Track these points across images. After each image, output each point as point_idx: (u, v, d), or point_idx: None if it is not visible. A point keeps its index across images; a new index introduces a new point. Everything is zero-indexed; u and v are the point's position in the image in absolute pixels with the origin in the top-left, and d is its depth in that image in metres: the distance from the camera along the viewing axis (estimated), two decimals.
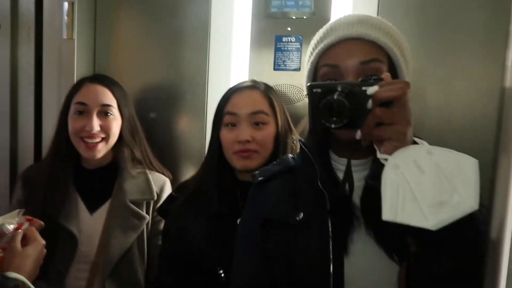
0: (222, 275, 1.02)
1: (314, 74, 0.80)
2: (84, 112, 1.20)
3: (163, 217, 1.18)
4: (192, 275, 1.05)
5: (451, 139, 1.26)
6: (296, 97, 1.36)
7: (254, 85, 1.12)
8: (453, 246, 0.59)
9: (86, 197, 1.23)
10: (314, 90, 0.65)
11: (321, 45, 0.77)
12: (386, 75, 0.65)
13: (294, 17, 1.35)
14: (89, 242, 1.18)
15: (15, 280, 0.76)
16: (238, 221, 1.00)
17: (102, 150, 1.21)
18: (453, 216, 0.54)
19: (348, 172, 0.71)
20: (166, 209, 1.16)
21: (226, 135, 1.08)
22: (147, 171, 1.27)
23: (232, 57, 1.44)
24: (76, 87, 1.23)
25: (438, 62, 1.25)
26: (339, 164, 0.79)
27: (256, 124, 1.06)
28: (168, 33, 1.45)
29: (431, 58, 1.26)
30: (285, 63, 1.38)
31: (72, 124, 1.20)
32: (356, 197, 0.75)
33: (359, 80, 0.64)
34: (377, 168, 0.66)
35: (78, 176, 1.24)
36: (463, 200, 0.54)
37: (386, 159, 0.60)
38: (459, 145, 1.23)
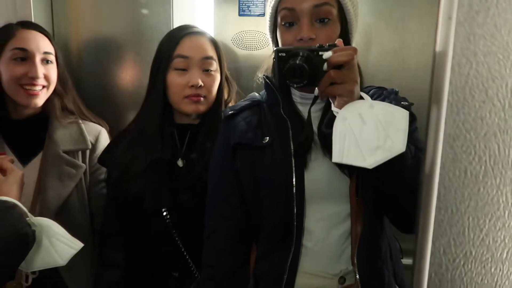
0: (166, 214, 1.10)
1: (274, 17, 0.93)
2: (25, 58, 1.19)
3: (104, 165, 1.23)
4: (136, 219, 1.13)
5: (405, 79, 1.35)
6: (261, 43, 1.39)
7: (203, 32, 1.17)
8: (387, 176, 0.77)
9: (17, 149, 1.25)
10: (280, 54, 0.78)
11: None
12: (339, 41, 0.78)
13: None
14: (24, 194, 1.15)
15: (10, 201, 0.82)
16: (179, 162, 1.13)
17: (43, 97, 1.23)
18: (386, 157, 0.69)
19: (309, 118, 0.87)
20: (106, 158, 1.21)
21: (176, 79, 1.11)
22: (80, 121, 1.30)
23: (196, 3, 1.42)
24: (10, 33, 1.20)
25: (394, 4, 1.30)
26: (298, 97, 0.95)
27: (206, 70, 1.13)
28: None
29: (387, 1, 1.31)
30: (249, 8, 1.39)
31: (11, 70, 1.19)
32: (314, 125, 0.90)
33: (317, 45, 0.77)
34: (331, 118, 0.80)
35: (5, 127, 1.25)
36: (394, 144, 0.69)
37: (337, 112, 0.75)
38: (413, 84, 1.35)
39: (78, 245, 0.91)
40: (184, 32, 1.13)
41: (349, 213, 0.89)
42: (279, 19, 0.89)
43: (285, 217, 0.88)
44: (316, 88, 0.76)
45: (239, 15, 1.40)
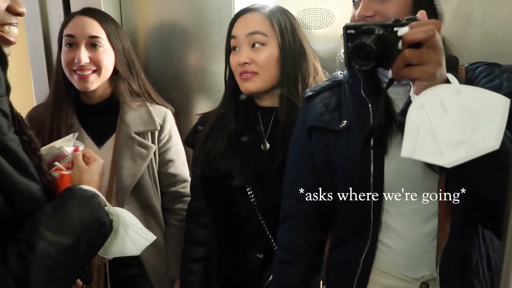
0: (251, 194, 1.09)
1: None
2: (73, 44, 1.23)
3: (190, 146, 1.25)
4: (223, 198, 1.14)
5: (489, 56, 1.18)
6: (324, 22, 1.30)
7: (255, 8, 1.12)
8: (477, 178, 0.65)
9: (92, 132, 1.30)
10: (348, 32, 0.69)
11: None
12: (421, 13, 0.67)
13: None
14: None
15: (90, 190, 0.83)
16: (262, 146, 1.11)
17: (94, 82, 1.25)
18: (470, 155, 0.57)
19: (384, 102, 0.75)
20: (192, 139, 1.22)
21: (231, 59, 1.12)
22: (148, 104, 1.32)
23: None
24: (66, 21, 1.26)
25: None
26: (383, 76, 0.85)
27: (254, 45, 1.08)
28: None
29: None
30: None
31: (63, 57, 1.25)
32: (397, 108, 0.80)
33: (392, 20, 0.67)
34: (407, 105, 0.70)
35: (81, 113, 1.31)
36: (484, 139, 0.57)
37: (414, 98, 0.65)
38: (498, 61, 1.17)
39: (151, 237, 0.92)
40: (238, 13, 1.12)
41: (437, 211, 0.78)
42: None
43: (361, 208, 0.81)
44: (390, 70, 0.66)
45: None
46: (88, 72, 1.22)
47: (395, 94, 0.81)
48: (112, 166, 1.27)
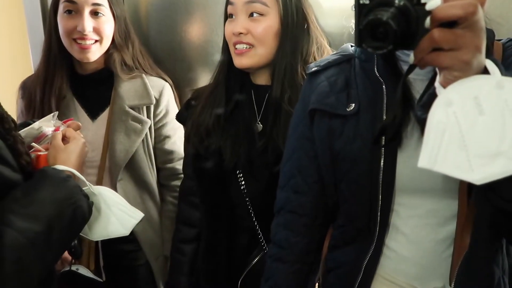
0: (241, 178, 0.98)
1: None
2: (73, 11, 1.09)
3: (181, 123, 1.12)
4: (212, 177, 1.03)
5: None
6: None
7: None
8: (503, 192, 0.48)
9: (86, 104, 1.19)
10: (361, 2, 0.50)
11: None
12: None
13: None
14: (94, 148, 1.15)
15: (65, 171, 0.75)
16: (255, 127, 0.99)
17: (96, 52, 1.12)
18: (507, 170, 0.42)
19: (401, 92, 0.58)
20: (184, 115, 1.10)
21: (226, 27, 0.97)
22: (144, 76, 1.18)
23: None
24: None
25: None
26: (403, 54, 0.67)
27: (250, 15, 0.93)
28: None
29: None
30: None
31: (63, 24, 1.10)
32: (416, 92, 0.64)
33: None
34: (431, 96, 0.52)
35: (74, 83, 1.18)
36: None
37: (440, 92, 0.47)
38: None
39: (138, 215, 0.83)
40: None
41: (456, 214, 0.64)
42: None
43: (366, 206, 0.67)
44: (411, 54, 0.49)
45: None
46: (90, 42, 1.10)
47: (414, 74, 0.63)
48: (105, 141, 1.16)
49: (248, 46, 0.93)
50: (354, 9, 0.51)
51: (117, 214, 0.81)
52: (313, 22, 0.97)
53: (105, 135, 1.16)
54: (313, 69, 0.77)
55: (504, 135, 0.41)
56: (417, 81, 0.65)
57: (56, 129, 0.85)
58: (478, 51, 0.45)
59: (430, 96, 0.53)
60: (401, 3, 0.47)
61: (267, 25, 0.92)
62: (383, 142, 0.63)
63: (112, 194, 0.82)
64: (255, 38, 0.92)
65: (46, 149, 0.82)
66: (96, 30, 1.10)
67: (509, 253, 0.67)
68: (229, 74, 1.00)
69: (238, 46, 0.93)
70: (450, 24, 0.44)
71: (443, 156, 0.43)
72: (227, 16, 0.97)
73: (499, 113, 0.42)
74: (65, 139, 0.84)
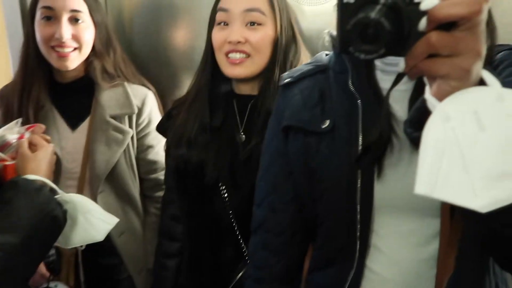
0: (224, 192, 0.93)
1: None
2: (52, 17, 1.03)
3: (162, 134, 1.07)
4: (196, 192, 0.98)
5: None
6: None
7: None
8: (500, 215, 0.39)
9: (65, 113, 1.12)
10: (345, 1, 0.42)
11: None
12: None
13: None
14: (74, 159, 1.10)
15: (37, 181, 0.73)
16: (238, 137, 0.95)
17: (75, 60, 1.07)
18: None
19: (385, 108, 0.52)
20: (165, 126, 1.04)
21: (216, 34, 0.92)
22: (126, 84, 1.13)
23: None
24: None
25: None
26: (382, 64, 0.62)
27: (251, 24, 0.89)
28: None
29: None
30: None
31: (40, 31, 1.04)
32: (398, 105, 0.59)
33: None
34: (420, 111, 0.46)
35: (53, 92, 1.12)
36: None
37: (434, 105, 0.40)
38: None
39: (113, 220, 0.82)
40: None
41: (438, 233, 0.59)
42: None
43: (345, 227, 0.63)
44: (402, 61, 0.42)
45: None
46: (69, 50, 1.04)
47: (389, 83, 0.56)
48: (85, 151, 1.10)
49: (244, 56, 0.89)
50: (336, 9, 0.43)
51: (90, 220, 0.79)
52: (298, 34, 0.95)
53: (85, 146, 1.10)
54: (286, 80, 0.72)
55: (509, 154, 0.36)
56: (399, 100, 0.59)
57: (21, 137, 0.81)
58: (479, 58, 0.39)
59: (418, 110, 0.48)
60: (392, 2, 0.40)
61: (264, 34, 0.89)
62: (364, 163, 0.58)
63: (84, 201, 0.80)
64: (253, 47, 0.89)
65: (13, 159, 0.78)
66: (75, 37, 1.04)
67: (495, 272, 0.63)
68: (213, 82, 0.95)
69: (232, 55, 0.89)
70: (448, 26, 0.38)
71: (444, 181, 0.37)
72: (213, 22, 0.93)
73: (502, 130, 0.37)
74: (31, 146, 0.80)
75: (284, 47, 0.91)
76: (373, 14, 0.39)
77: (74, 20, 1.04)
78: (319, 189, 0.65)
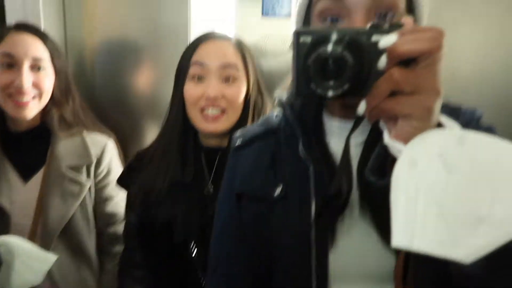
0: (193, 249, 0.87)
1: (307, 11, 0.58)
2: (12, 65, 0.98)
3: (124, 187, 1.00)
4: (161, 251, 0.90)
5: (457, 92, 1.07)
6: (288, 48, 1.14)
7: (225, 36, 0.93)
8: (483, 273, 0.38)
9: (18, 164, 1.04)
10: (302, 40, 0.40)
11: None
12: (407, 19, 0.41)
13: None
14: (25, 213, 1.01)
15: None
16: (206, 191, 0.90)
17: (34, 109, 1.01)
18: (495, 240, 0.34)
19: (345, 157, 0.49)
20: (127, 179, 0.98)
21: (191, 89, 0.89)
22: (83, 133, 1.08)
23: (216, 5, 1.18)
24: (0, 36, 1.00)
25: (444, 5, 1.02)
26: (331, 127, 0.60)
27: (226, 79, 0.88)
28: None
29: (436, 1, 1.03)
30: (274, 8, 1.13)
31: None
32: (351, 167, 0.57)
33: (369, 25, 0.41)
34: (381, 158, 0.45)
35: (6, 141, 1.05)
36: (509, 213, 0.34)
37: (399, 150, 0.39)
38: (464, 98, 1.07)
39: (51, 259, 0.77)
40: (204, 37, 0.91)
41: None
42: (315, 15, 0.54)
43: None
44: (362, 102, 0.41)
45: (263, 15, 1.15)
46: (28, 99, 0.98)
47: (331, 136, 0.55)
48: (38, 205, 1.01)
49: (219, 111, 0.88)
50: (292, 49, 0.41)
51: (26, 263, 0.75)
52: (263, 84, 0.96)
53: (37, 199, 1.01)
54: (237, 143, 0.68)
55: (480, 198, 0.35)
56: (335, 143, 0.59)
57: None
58: (439, 96, 0.38)
59: (378, 157, 0.46)
60: (351, 38, 0.39)
61: (239, 90, 0.89)
62: (313, 234, 0.54)
63: (19, 242, 0.76)
64: (228, 103, 0.88)
65: None
66: (36, 85, 0.99)
67: None
68: (183, 135, 0.92)
69: (209, 111, 0.87)
70: (407, 63, 0.38)
71: (421, 230, 0.35)
72: (183, 74, 0.90)
73: (468, 173, 0.36)
74: None
75: (254, 100, 0.92)
76: (335, 48, 0.38)
77: (35, 67, 1.00)
78: (273, 258, 0.60)
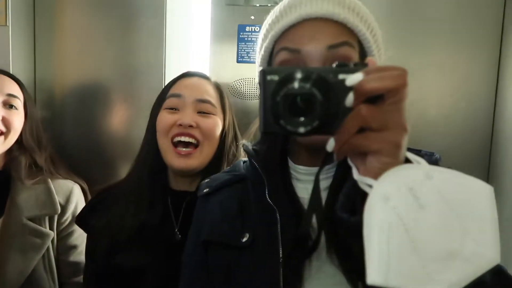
0: None
1: (268, 63, 0.61)
2: None
3: (84, 228, 0.92)
4: None
5: (424, 134, 1.11)
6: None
7: (204, 75, 0.93)
8: None
9: None
10: (269, 78, 0.41)
11: (278, 26, 0.57)
12: (370, 60, 0.43)
13: (257, 5, 1.14)
14: None
15: None
16: (174, 238, 0.84)
17: (0, 146, 0.97)
18: (468, 274, 0.33)
19: (315, 196, 0.49)
20: (87, 220, 0.90)
21: (164, 117, 0.85)
22: (49, 180, 1.02)
23: (191, 48, 1.22)
24: None
25: (411, 52, 1.08)
26: (296, 173, 0.61)
27: (202, 113, 0.86)
28: (119, 22, 1.24)
29: (403, 48, 1.09)
30: (249, 54, 1.17)
31: None
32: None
33: (336, 64, 0.41)
34: (351, 195, 0.45)
35: None
36: (479, 247, 0.34)
37: (370, 186, 0.38)
38: (433, 141, 1.11)
39: None
40: (184, 74, 0.91)
41: None
42: (276, 61, 0.57)
43: None
44: (331, 139, 0.41)
45: (237, 61, 1.18)
46: None
47: (307, 194, 0.53)
48: None
49: (193, 143, 0.84)
50: (260, 87, 0.42)
51: None
52: (238, 130, 0.95)
53: None
54: (205, 191, 0.68)
55: (451, 233, 0.34)
56: (300, 186, 0.60)
57: None
58: (406, 132, 0.39)
59: (348, 195, 0.46)
60: (319, 76, 0.39)
61: (215, 123, 0.86)
62: (281, 281, 0.52)
63: None
64: (203, 134, 0.84)
65: None
66: (5, 121, 0.96)
67: None
68: (153, 173, 0.87)
69: (181, 139, 0.83)
70: (373, 101, 0.38)
71: (395, 267, 0.34)
72: (158, 108, 0.87)
73: (439, 207, 0.35)
74: None
75: (230, 140, 0.89)
76: (303, 85, 0.38)
77: (7, 105, 0.98)
78: None
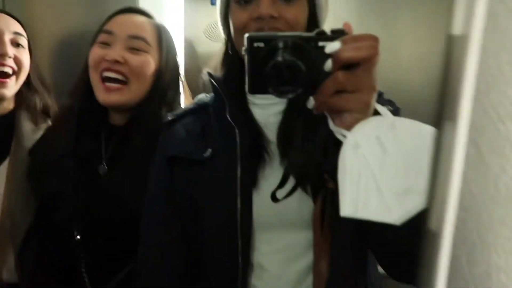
0: (78, 240, 0.83)
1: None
2: None
3: (31, 158, 0.96)
4: (43, 239, 0.87)
5: (398, 78, 1.18)
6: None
7: (145, 12, 0.91)
8: (397, 233, 0.45)
9: None
10: (255, 45, 0.46)
11: None
12: (346, 24, 0.48)
13: None
14: None
15: None
16: (100, 169, 0.86)
17: (12, 88, 0.96)
18: (417, 205, 0.42)
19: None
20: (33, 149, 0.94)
21: (94, 53, 0.85)
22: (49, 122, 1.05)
23: None
24: None
25: (384, 23, 1.11)
26: (253, 98, 0.71)
27: (133, 49, 0.85)
28: None
29: (377, 19, 1.12)
30: None
31: None
32: (270, 133, 0.69)
33: (315, 32, 0.47)
34: (326, 141, 0.54)
35: None
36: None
37: (344, 136, 0.46)
38: (406, 83, 1.18)
39: None
40: (121, 10, 0.89)
41: (312, 243, 0.65)
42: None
43: (228, 249, 0.65)
44: (310, 98, 0.47)
45: (212, 4, 1.16)
46: (8, 70, 0.93)
47: (263, 117, 0.69)
48: (4, 200, 0.95)
49: (121, 79, 0.83)
50: (246, 53, 0.47)
51: None
52: (182, 77, 0.95)
53: (4, 192, 0.95)
54: (169, 118, 0.76)
55: (408, 173, 0.43)
56: (271, 124, 0.69)
57: None
58: (375, 92, 0.46)
59: (324, 142, 0.55)
60: (297, 44, 0.45)
61: (146, 61, 0.84)
62: (239, 185, 0.63)
63: None
64: (132, 71, 0.83)
65: None
66: (17, 60, 0.95)
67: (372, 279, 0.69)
68: (86, 108, 0.88)
69: (108, 74, 0.82)
70: (349, 66, 0.45)
71: (364, 201, 0.42)
72: (93, 41, 0.87)
73: (400, 152, 0.43)
74: None
75: (166, 82, 0.87)
76: (288, 57, 0.44)
77: (15, 44, 0.96)
78: (203, 218, 0.67)
